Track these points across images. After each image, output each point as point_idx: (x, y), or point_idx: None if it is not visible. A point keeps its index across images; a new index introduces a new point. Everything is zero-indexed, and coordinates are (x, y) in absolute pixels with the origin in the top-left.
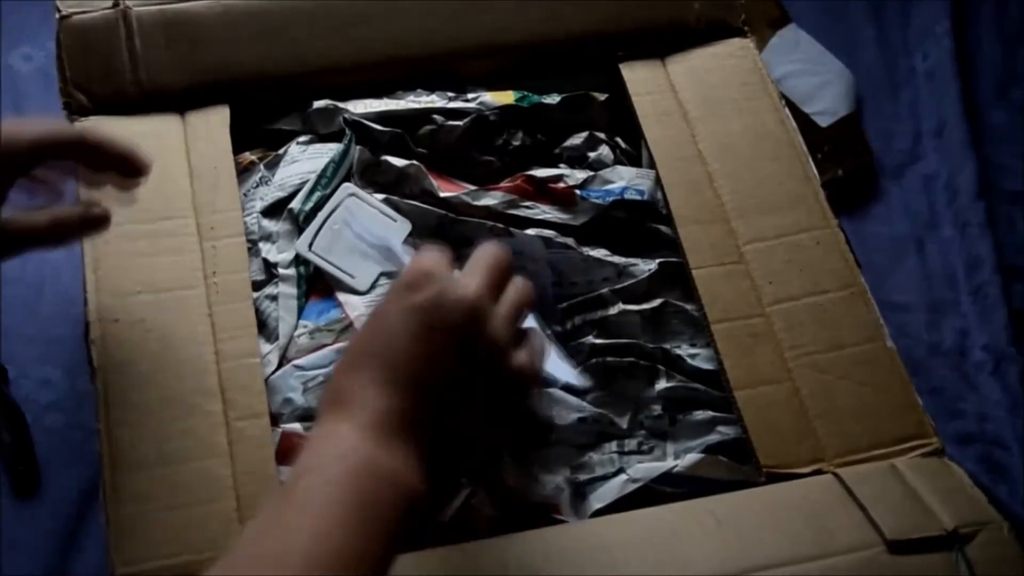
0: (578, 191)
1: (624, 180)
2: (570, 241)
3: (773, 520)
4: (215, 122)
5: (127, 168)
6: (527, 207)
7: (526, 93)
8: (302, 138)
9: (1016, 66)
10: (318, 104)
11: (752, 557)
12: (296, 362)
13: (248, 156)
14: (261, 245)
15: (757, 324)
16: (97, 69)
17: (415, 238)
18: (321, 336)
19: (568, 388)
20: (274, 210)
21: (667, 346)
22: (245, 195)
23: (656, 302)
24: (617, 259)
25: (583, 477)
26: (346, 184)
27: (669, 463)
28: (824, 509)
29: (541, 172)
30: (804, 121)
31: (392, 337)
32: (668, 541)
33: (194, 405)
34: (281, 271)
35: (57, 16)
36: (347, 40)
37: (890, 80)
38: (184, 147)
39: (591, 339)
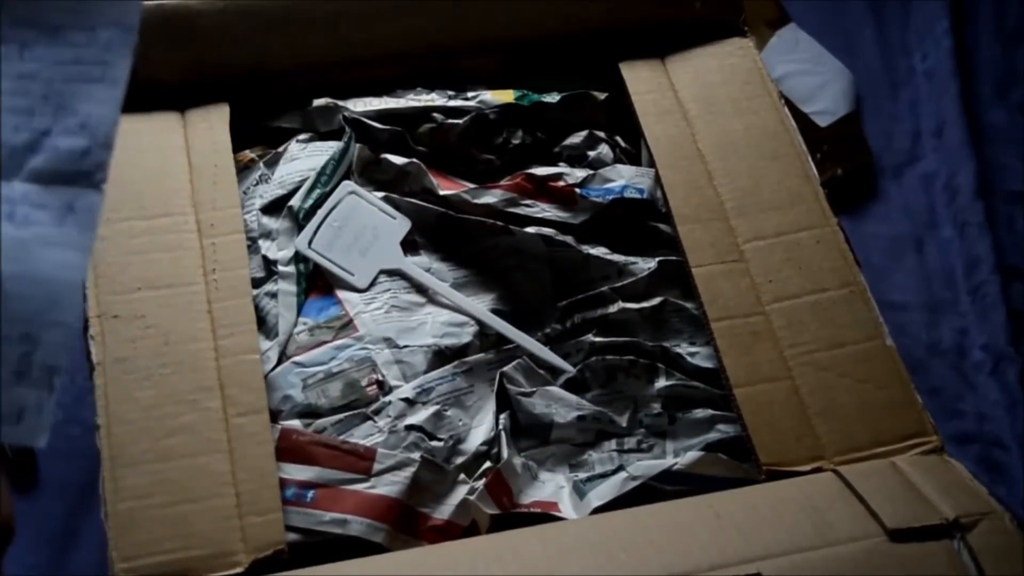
0: (578, 189)
1: (624, 178)
2: (570, 239)
3: (773, 514)
4: (215, 119)
5: None
6: (527, 205)
7: (526, 92)
8: (302, 136)
9: (1016, 66)
10: (318, 102)
11: (752, 548)
12: (296, 359)
13: (248, 154)
14: (261, 242)
15: (757, 322)
16: None
17: (415, 235)
18: (321, 333)
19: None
20: (274, 207)
21: (667, 344)
22: (245, 193)
23: (656, 300)
24: (617, 257)
25: (582, 475)
26: (346, 182)
27: (669, 461)
28: (824, 503)
29: (541, 170)
30: (803, 121)
31: None
32: (667, 534)
33: (193, 401)
34: (281, 268)
35: None
36: (347, 38)
37: (890, 80)
38: (184, 144)
39: (591, 337)
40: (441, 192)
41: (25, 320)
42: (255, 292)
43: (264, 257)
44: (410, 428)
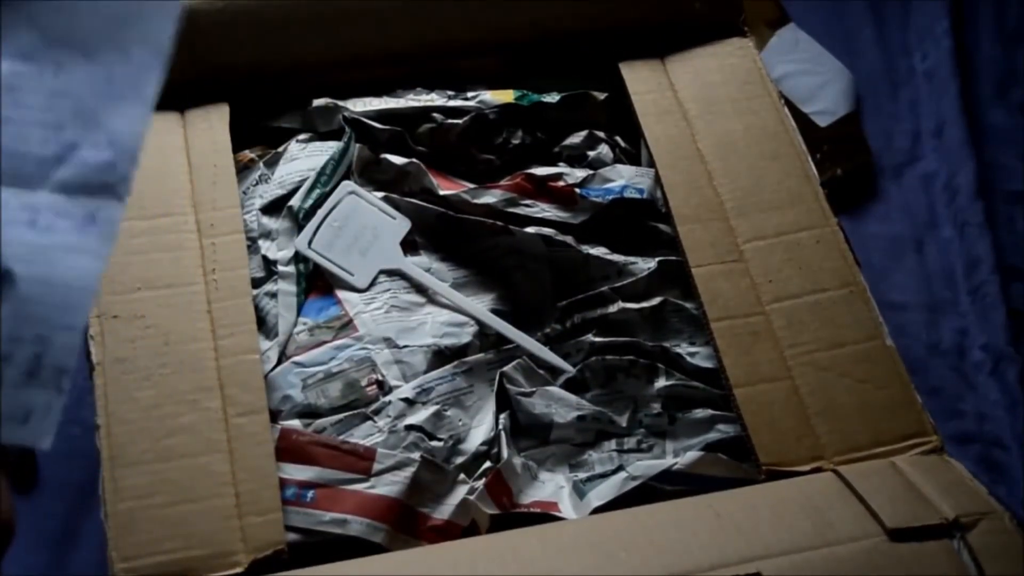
0: (578, 189)
1: (624, 178)
2: (569, 239)
3: (772, 514)
4: (215, 119)
5: None
6: (527, 205)
7: (526, 92)
8: (302, 136)
9: (1016, 66)
10: (318, 102)
11: (752, 548)
12: (295, 359)
13: (248, 154)
14: (260, 242)
15: (757, 322)
16: None
17: (415, 235)
18: (320, 333)
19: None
20: (274, 208)
21: (667, 344)
22: (245, 193)
23: (656, 300)
24: (617, 257)
25: (582, 475)
26: (345, 182)
27: (668, 461)
28: (824, 503)
29: (541, 170)
30: (803, 121)
31: None
32: (667, 534)
33: (193, 401)
34: (280, 268)
35: None
36: (347, 38)
37: (890, 80)
38: (184, 144)
39: (591, 337)
40: (441, 192)
41: (39, 322)
42: (255, 292)
43: (264, 257)
44: (410, 428)
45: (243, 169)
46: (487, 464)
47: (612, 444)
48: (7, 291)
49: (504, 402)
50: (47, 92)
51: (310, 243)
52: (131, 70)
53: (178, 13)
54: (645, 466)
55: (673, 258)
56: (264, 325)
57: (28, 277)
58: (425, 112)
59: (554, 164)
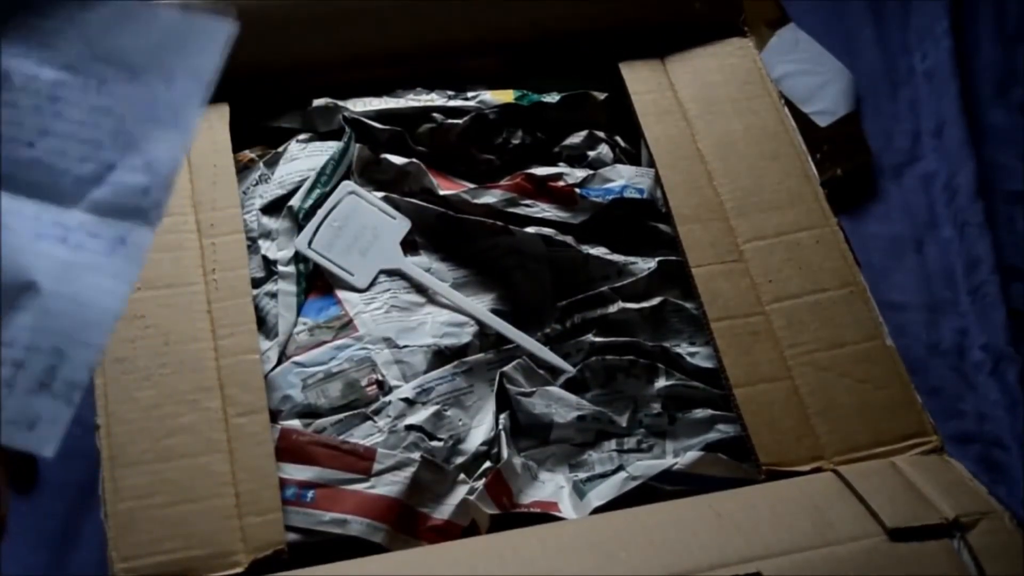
0: (578, 189)
1: (624, 178)
2: (569, 239)
3: (772, 514)
4: (215, 119)
5: None
6: (527, 205)
7: (526, 92)
8: (302, 136)
9: (1016, 66)
10: (318, 102)
11: (752, 548)
12: (295, 359)
13: (248, 154)
14: (261, 242)
15: (757, 322)
16: None
17: (415, 235)
18: (320, 333)
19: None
20: (274, 208)
21: (667, 344)
22: (245, 193)
23: (656, 300)
24: (617, 257)
25: (582, 475)
26: (346, 182)
27: (668, 461)
28: (824, 503)
29: (541, 170)
30: (803, 121)
31: None
32: (667, 534)
33: (193, 401)
34: (280, 268)
35: None
36: (347, 38)
37: (889, 80)
38: None
39: (591, 337)
40: (441, 192)
41: (58, 335)
42: (255, 292)
43: (264, 257)
44: (410, 428)
45: (243, 169)
46: (487, 464)
47: (612, 444)
48: (31, 301)
49: (504, 402)
50: (88, 107)
51: (310, 243)
52: (174, 97)
53: (226, 45)
54: (645, 466)
55: (673, 258)
56: (264, 325)
57: (53, 291)
58: (425, 112)
59: (554, 164)
